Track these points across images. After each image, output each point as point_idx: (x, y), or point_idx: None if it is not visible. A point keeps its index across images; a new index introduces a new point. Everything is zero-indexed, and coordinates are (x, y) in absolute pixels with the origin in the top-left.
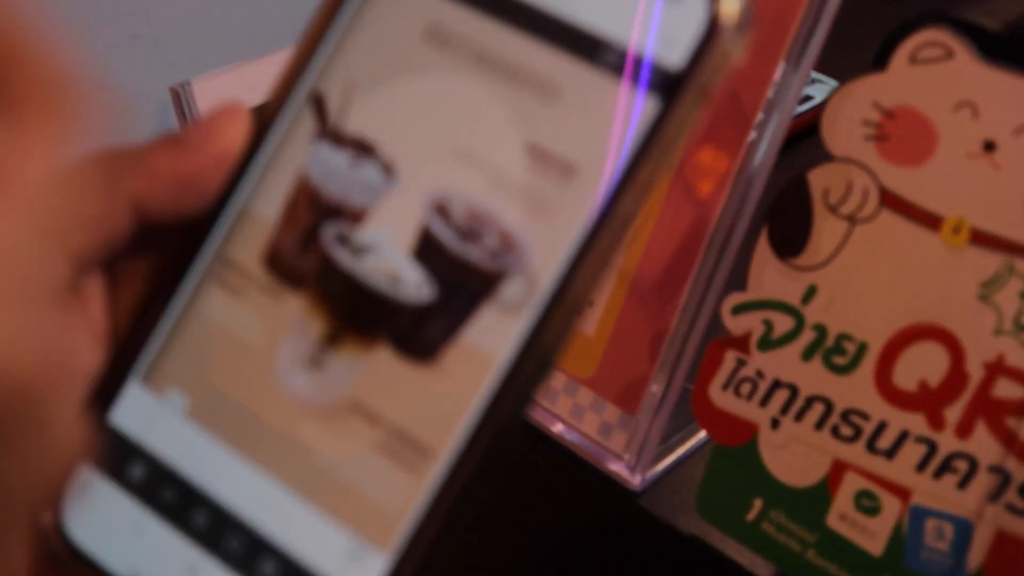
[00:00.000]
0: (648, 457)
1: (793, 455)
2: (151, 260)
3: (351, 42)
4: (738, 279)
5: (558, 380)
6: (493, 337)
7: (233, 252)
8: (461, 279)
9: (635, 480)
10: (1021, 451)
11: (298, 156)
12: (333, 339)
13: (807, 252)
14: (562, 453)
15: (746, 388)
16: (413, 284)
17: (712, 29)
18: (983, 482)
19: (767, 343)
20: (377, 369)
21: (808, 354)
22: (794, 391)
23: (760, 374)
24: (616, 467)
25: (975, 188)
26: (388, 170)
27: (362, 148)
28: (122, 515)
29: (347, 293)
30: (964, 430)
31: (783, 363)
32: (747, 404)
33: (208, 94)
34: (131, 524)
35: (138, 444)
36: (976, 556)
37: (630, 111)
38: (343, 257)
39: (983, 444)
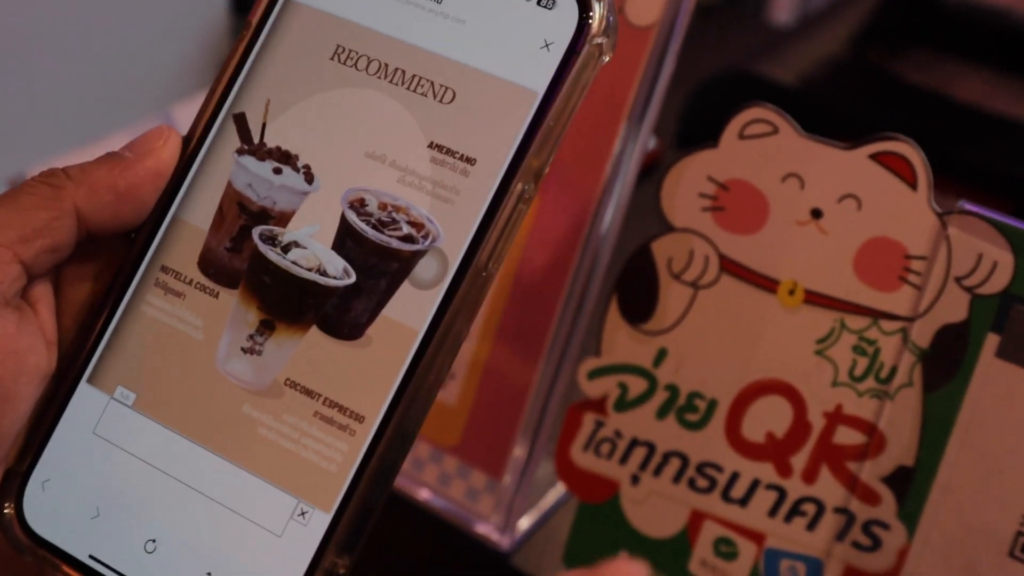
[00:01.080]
0: (516, 518)
1: (654, 508)
2: (94, 266)
3: (265, 65)
4: (592, 345)
5: (423, 449)
6: (412, 311)
7: (170, 258)
8: (379, 262)
9: (504, 541)
10: (863, 493)
11: (225, 168)
12: (268, 326)
13: (655, 317)
14: (431, 520)
15: (606, 448)
16: (337, 271)
17: (582, 33)
18: (830, 523)
19: (623, 404)
20: (310, 349)
21: (662, 413)
22: (651, 448)
23: (618, 434)
24: (485, 530)
25: (806, 253)
26: (307, 176)
27: (283, 158)
28: (79, 502)
29: (278, 285)
30: (810, 476)
31: (639, 422)
32: (607, 463)
33: None
34: (88, 510)
35: (91, 436)
36: None
37: (516, 107)
38: (272, 254)
39: (828, 488)
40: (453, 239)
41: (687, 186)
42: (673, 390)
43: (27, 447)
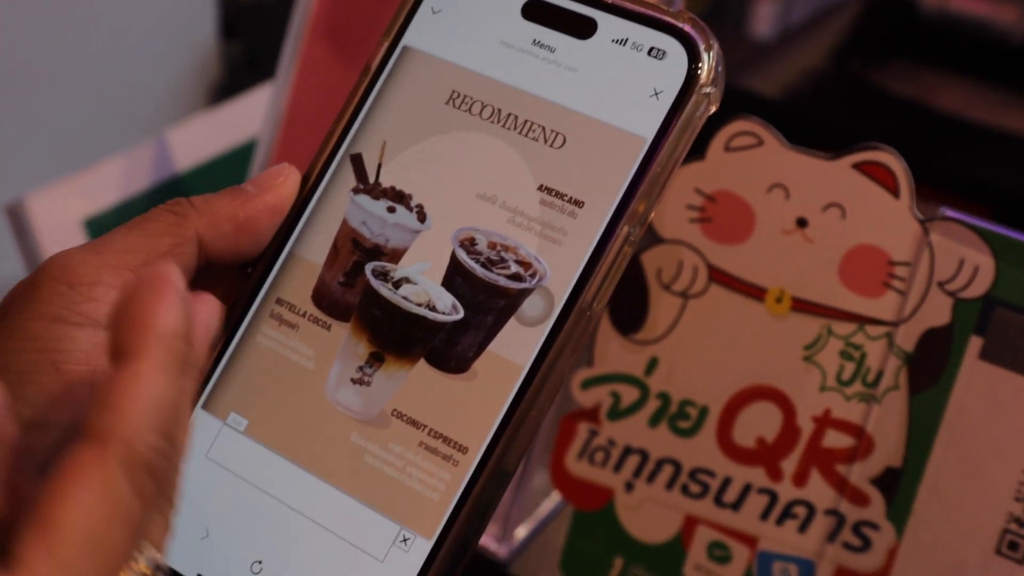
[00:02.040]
0: (513, 528)
1: (648, 514)
2: (213, 293)
3: (382, 108)
4: (584, 355)
5: None
6: (518, 348)
7: (285, 290)
8: (487, 299)
9: (502, 550)
10: (852, 494)
11: (341, 206)
12: (377, 359)
13: (646, 327)
14: None
15: (600, 456)
16: (446, 307)
17: (691, 83)
18: (821, 525)
19: (616, 413)
20: (417, 381)
21: (655, 421)
22: (645, 456)
23: (612, 442)
24: (483, 540)
25: (792, 261)
26: (420, 215)
27: (397, 197)
28: (189, 523)
29: (389, 319)
30: (800, 479)
31: (632, 431)
32: (602, 471)
33: (43, 209)
34: (197, 530)
35: (203, 460)
36: None
37: (624, 153)
38: (384, 289)
39: (818, 490)
40: (559, 279)
41: (675, 198)
42: (665, 398)
43: None
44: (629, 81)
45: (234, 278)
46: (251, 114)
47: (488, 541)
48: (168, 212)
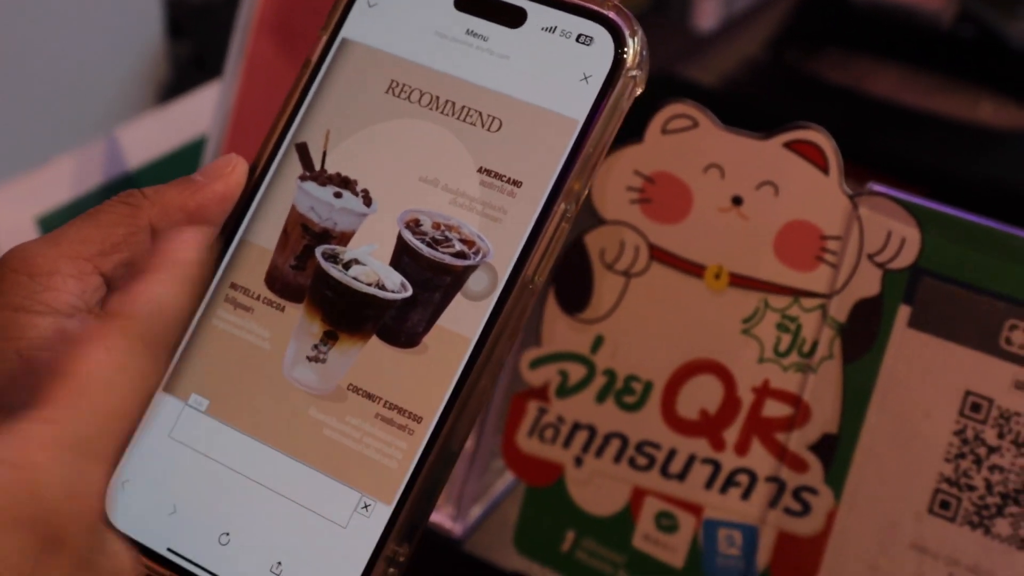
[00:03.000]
0: (467, 506)
1: (597, 488)
2: None
3: (324, 98)
4: (532, 335)
5: None
6: (465, 321)
7: (239, 275)
8: (434, 277)
9: (457, 528)
10: (791, 461)
11: (289, 193)
12: (331, 337)
13: (591, 306)
14: None
15: (549, 433)
16: (395, 285)
17: (618, 66)
18: (763, 492)
19: (564, 391)
20: (371, 357)
21: (601, 397)
22: (592, 431)
23: (561, 419)
24: (438, 518)
25: (729, 238)
26: (366, 199)
27: (343, 183)
28: (157, 500)
29: (340, 298)
30: (742, 448)
31: (580, 407)
32: (552, 447)
33: None
34: (165, 507)
35: (167, 440)
36: (763, 556)
37: (558, 135)
38: (334, 270)
39: (759, 458)
40: (502, 255)
41: (616, 180)
42: (611, 375)
43: None
44: (559, 67)
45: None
46: (200, 112)
47: (443, 519)
48: (121, 203)
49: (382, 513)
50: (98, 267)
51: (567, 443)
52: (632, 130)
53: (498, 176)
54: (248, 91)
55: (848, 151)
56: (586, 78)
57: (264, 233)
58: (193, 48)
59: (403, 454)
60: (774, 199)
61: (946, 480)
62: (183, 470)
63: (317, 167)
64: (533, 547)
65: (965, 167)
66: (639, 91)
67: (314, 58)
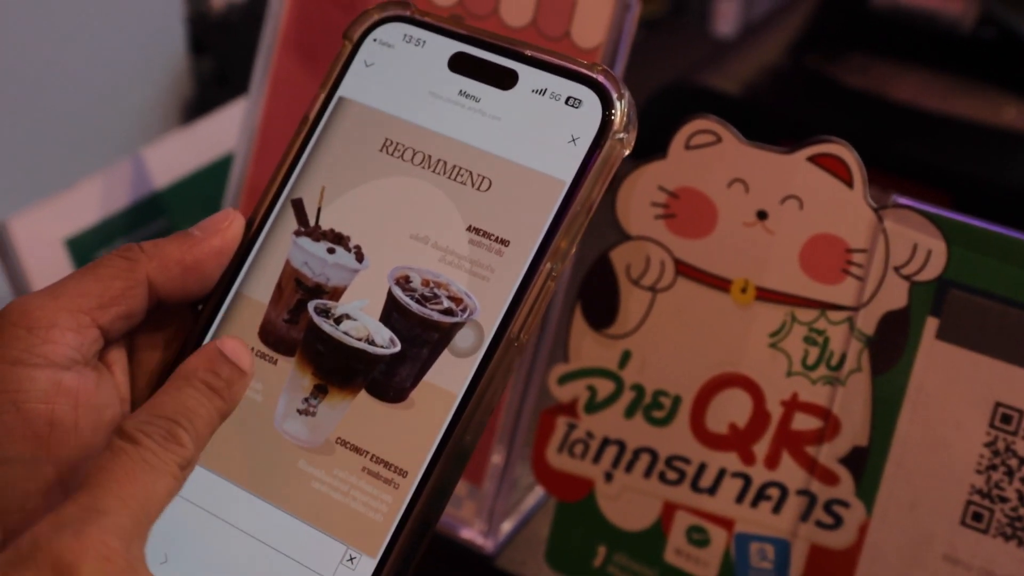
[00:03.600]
0: (498, 522)
1: (628, 503)
2: (164, 335)
3: (320, 155)
4: (560, 352)
5: None
6: (451, 377)
7: (233, 328)
8: (422, 333)
9: (488, 544)
10: (822, 474)
11: (284, 248)
12: (321, 390)
13: (618, 322)
14: None
15: (579, 448)
16: (384, 340)
17: (605, 129)
18: (794, 505)
19: (593, 406)
20: (359, 411)
21: (630, 412)
22: (622, 446)
23: (590, 434)
24: (469, 535)
25: (755, 252)
26: (358, 255)
27: (336, 239)
28: (150, 549)
29: (331, 353)
30: (772, 462)
31: (609, 422)
32: (581, 463)
33: (26, 230)
34: (157, 556)
35: None
36: (796, 570)
37: (545, 195)
38: (326, 325)
39: (790, 472)
40: (488, 312)
41: (640, 196)
42: (639, 389)
43: None
44: (549, 128)
45: (185, 317)
46: (224, 130)
47: (475, 536)
48: (120, 257)
49: (367, 566)
50: (96, 320)
51: (597, 458)
52: (658, 145)
53: (487, 235)
54: (273, 108)
55: (870, 156)
56: (574, 140)
57: (259, 287)
58: (215, 64)
59: (388, 507)
60: (799, 213)
61: (978, 492)
62: (175, 520)
63: (312, 223)
64: (565, 562)
65: (989, 171)
66: (626, 152)
67: (312, 115)
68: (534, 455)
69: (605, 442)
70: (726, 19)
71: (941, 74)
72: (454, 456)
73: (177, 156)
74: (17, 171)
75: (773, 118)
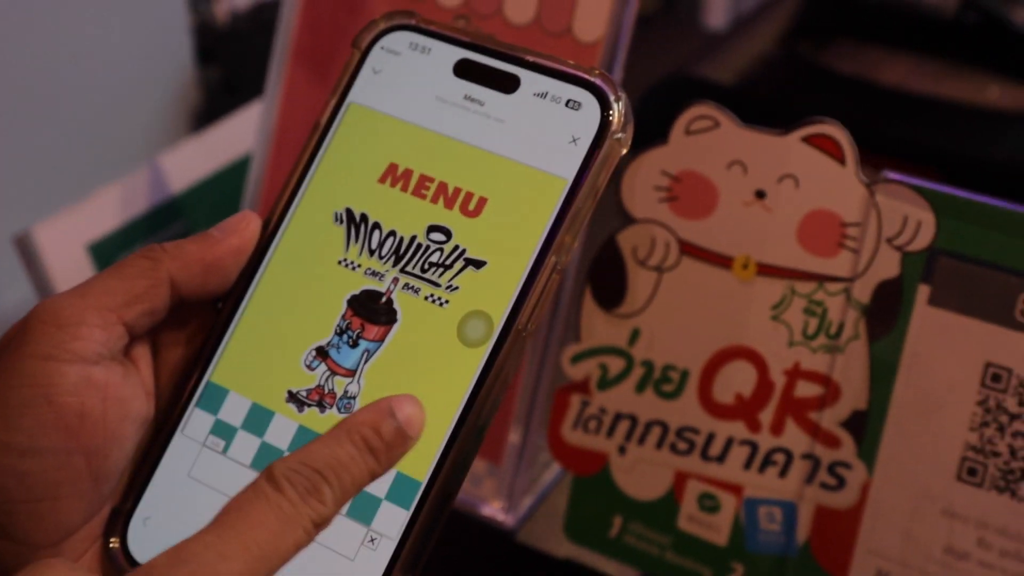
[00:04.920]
0: (518, 498)
1: (641, 474)
2: (187, 332)
3: (332, 159)
4: (572, 332)
5: None
6: (464, 366)
7: (252, 324)
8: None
9: (509, 520)
10: (825, 438)
11: None
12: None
13: (626, 302)
14: None
15: (593, 424)
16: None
17: (604, 129)
18: (799, 469)
19: (605, 383)
20: None
21: (641, 387)
22: (634, 420)
23: (603, 410)
24: (490, 511)
25: (754, 230)
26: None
27: None
28: (176, 537)
29: None
30: (777, 429)
31: (621, 398)
32: (596, 437)
33: (50, 237)
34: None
35: (186, 479)
36: (803, 530)
37: (549, 193)
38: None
39: (794, 437)
40: (497, 305)
41: (643, 181)
42: (648, 365)
43: (130, 488)
44: (550, 129)
45: (207, 313)
46: (236, 135)
47: (496, 512)
48: (143, 257)
49: (387, 546)
50: (121, 317)
51: (610, 433)
52: (657, 134)
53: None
54: (287, 111)
55: (863, 139)
56: (575, 140)
57: None
58: (222, 73)
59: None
60: (795, 191)
61: (972, 448)
62: (201, 508)
63: None
64: (583, 534)
65: (975, 148)
66: (624, 151)
67: (323, 121)
68: (550, 432)
69: (618, 417)
70: (716, 13)
71: (928, 58)
72: (467, 441)
73: (192, 161)
74: (38, 182)
75: (768, 105)
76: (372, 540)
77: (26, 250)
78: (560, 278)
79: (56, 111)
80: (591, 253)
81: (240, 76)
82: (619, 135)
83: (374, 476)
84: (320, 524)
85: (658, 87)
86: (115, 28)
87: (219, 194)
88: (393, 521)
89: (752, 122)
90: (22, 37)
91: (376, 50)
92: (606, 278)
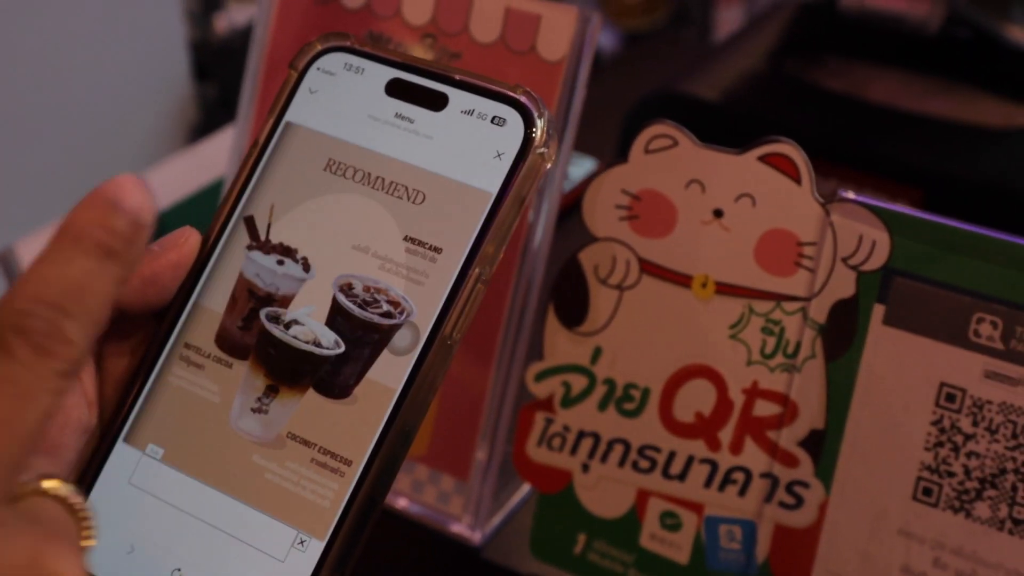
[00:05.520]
0: (484, 515)
1: (604, 492)
2: (128, 343)
3: (269, 176)
4: (536, 350)
5: None
6: (391, 374)
7: (191, 336)
8: (364, 335)
9: (476, 537)
10: (783, 457)
11: (237, 261)
12: (273, 390)
13: (588, 320)
14: (409, 525)
15: (557, 442)
16: (329, 343)
17: (527, 144)
18: (758, 488)
19: (568, 401)
20: (308, 407)
21: (603, 405)
22: (597, 438)
23: (567, 428)
24: (458, 528)
25: (713, 249)
26: (305, 266)
27: (285, 251)
28: (117, 540)
29: (281, 355)
30: (736, 447)
31: (584, 416)
32: (560, 455)
33: (33, 254)
34: (124, 546)
35: (127, 486)
36: (762, 549)
37: (474, 206)
38: (276, 330)
39: (753, 456)
40: (424, 314)
41: (604, 199)
42: (610, 383)
43: None
44: (476, 145)
45: (148, 326)
46: (222, 153)
47: (463, 530)
48: None
49: (316, 548)
50: None
51: (574, 450)
52: (620, 151)
53: (421, 244)
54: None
55: (849, 154)
56: (499, 155)
57: (215, 297)
58: (219, 89)
59: (335, 494)
60: (752, 210)
61: (927, 468)
62: (140, 513)
63: (262, 237)
64: (548, 551)
65: (963, 167)
66: (548, 166)
67: (261, 139)
68: (515, 449)
69: (581, 435)
70: (728, 27)
71: (916, 75)
72: (394, 445)
73: (175, 179)
74: (25, 196)
75: (753, 122)
76: (302, 542)
77: (8, 266)
78: (485, 288)
79: (52, 127)
80: (554, 271)
81: (236, 92)
82: (542, 150)
83: (121, 284)
84: (72, 371)
85: (643, 103)
86: (112, 45)
87: (198, 214)
88: (321, 522)
89: (740, 142)
90: (20, 52)
91: (312, 71)
92: (568, 296)
